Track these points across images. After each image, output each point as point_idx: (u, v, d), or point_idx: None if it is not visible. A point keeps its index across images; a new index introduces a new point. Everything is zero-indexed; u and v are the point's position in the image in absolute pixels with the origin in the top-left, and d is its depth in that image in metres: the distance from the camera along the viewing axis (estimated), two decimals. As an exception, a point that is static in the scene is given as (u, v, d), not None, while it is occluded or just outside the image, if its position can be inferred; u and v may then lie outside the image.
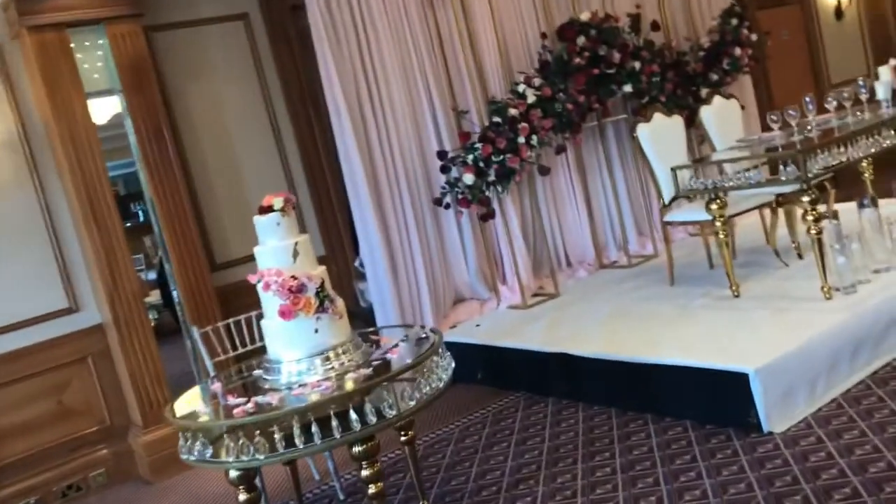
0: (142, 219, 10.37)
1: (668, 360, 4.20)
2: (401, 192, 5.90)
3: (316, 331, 3.21)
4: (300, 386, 3.14)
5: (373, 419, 2.92)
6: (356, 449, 2.97)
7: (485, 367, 5.48)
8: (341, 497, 4.17)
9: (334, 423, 2.86)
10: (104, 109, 7.64)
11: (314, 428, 2.84)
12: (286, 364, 3.23)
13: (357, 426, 2.88)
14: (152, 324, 9.17)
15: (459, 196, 5.80)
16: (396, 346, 3.46)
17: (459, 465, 4.24)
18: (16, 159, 5.14)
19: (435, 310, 6.03)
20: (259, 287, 3.21)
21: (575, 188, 6.80)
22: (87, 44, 5.33)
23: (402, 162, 5.92)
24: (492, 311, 6.23)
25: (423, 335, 3.57)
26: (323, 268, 3.35)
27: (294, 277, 3.15)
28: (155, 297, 10.81)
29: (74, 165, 5.00)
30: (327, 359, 3.22)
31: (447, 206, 5.96)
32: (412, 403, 3.04)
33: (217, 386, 3.48)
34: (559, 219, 6.75)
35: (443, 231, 6.18)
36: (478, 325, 5.94)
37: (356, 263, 6.56)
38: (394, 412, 2.97)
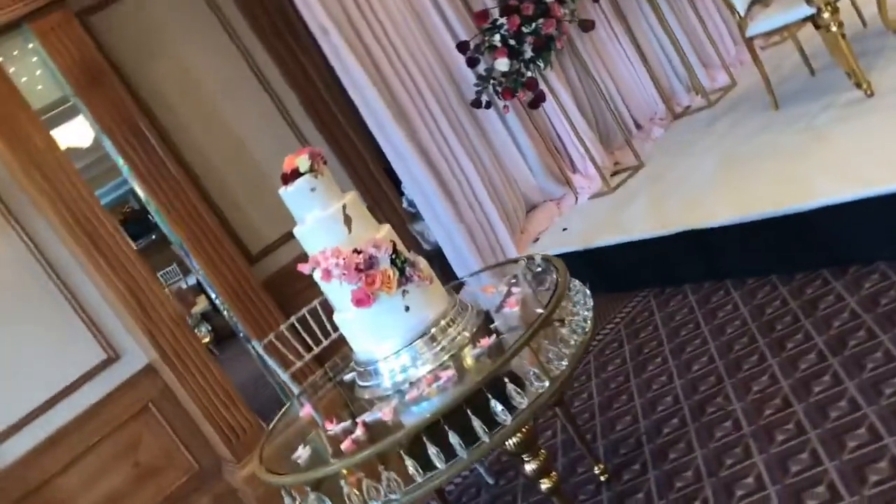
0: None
1: (833, 199, 3.37)
2: (427, 105, 5.08)
3: (407, 308, 2.48)
4: (411, 385, 2.43)
5: (522, 401, 2.19)
6: (511, 442, 2.26)
7: (591, 274, 4.67)
8: (490, 482, 3.52)
9: (475, 423, 2.14)
10: (80, 130, 6.89)
11: (452, 437, 2.13)
12: (383, 362, 2.51)
13: (505, 418, 2.16)
14: (207, 337, 8.74)
15: (498, 89, 4.93)
16: (510, 293, 2.71)
17: (616, 402, 3.55)
18: (-14, 216, 4.46)
19: (509, 227, 5.28)
20: (317, 278, 2.46)
21: (620, 39, 5.89)
22: (16, 53, 4.56)
23: (417, 69, 5.07)
24: (572, 208, 5.44)
25: (536, 267, 2.81)
26: (387, 227, 2.60)
27: (357, 251, 2.41)
28: (202, 304, 10.28)
29: (54, 200, 4.29)
30: (433, 339, 2.49)
31: (488, 106, 5.11)
32: (564, 364, 2.30)
33: (307, 410, 2.80)
34: (613, 79, 5.86)
35: (490, 136, 5.37)
36: (565, 230, 5.16)
37: (404, 206, 5.79)
38: (544, 383, 2.24)
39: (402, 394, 2.43)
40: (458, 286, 3.10)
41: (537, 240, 5.30)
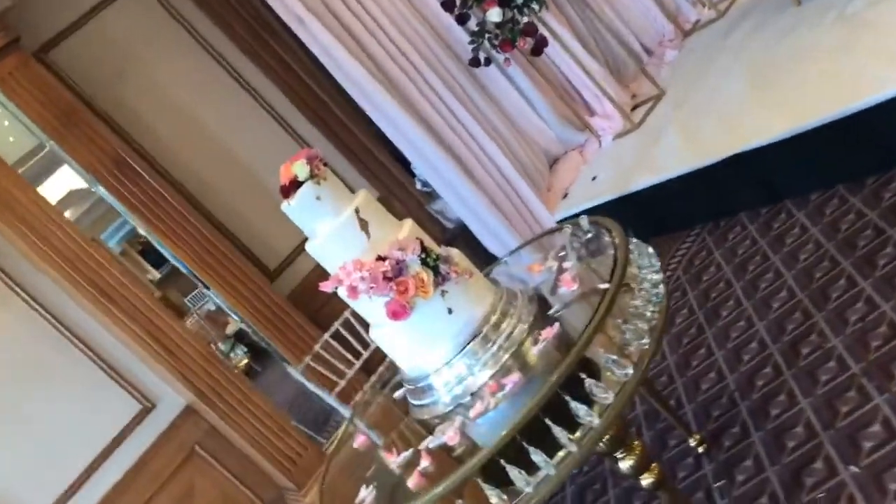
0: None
1: (893, 89, 2.99)
2: (423, 75, 4.73)
3: (449, 311, 2.17)
4: (472, 397, 2.12)
5: (605, 395, 1.89)
6: (624, 461, 1.97)
7: (633, 221, 4.33)
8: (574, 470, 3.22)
9: (557, 432, 1.84)
10: (70, 178, 6.64)
11: (535, 454, 1.84)
12: (435, 375, 2.21)
13: (590, 419, 1.86)
14: (244, 359, 8.51)
15: (495, 42, 4.56)
16: (562, 269, 2.39)
17: (693, 358, 3.23)
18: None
19: (534, 187, 4.94)
20: (344, 297, 2.16)
21: (612, -38, 5.45)
22: (-26, 105, 4.26)
23: (405, 40, 4.72)
24: (598, 153, 5.08)
25: (584, 233, 2.48)
26: (409, 223, 2.28)
27: (381, 258, 2.10)
28: (235, 322, 10.06)
29: (52, 257, 4.04)
30: (486, 339, 2.18)
31: (487, 63, 4.75)
32: (645, 343, 1.99)
33: (362, 440, 2.51)
34: (613, 7, 5.45)
35: (495, 95, 5.03)
36: (594, 178, 4.81)
37: (418, 187, 5.46)
38: (627, 370, 1.93)
39: (464, 409, 2.13)
40: (491, 271, 2.77)
41: (566, 195, 4.97)
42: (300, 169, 2.18)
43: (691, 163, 3.91)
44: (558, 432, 1.85)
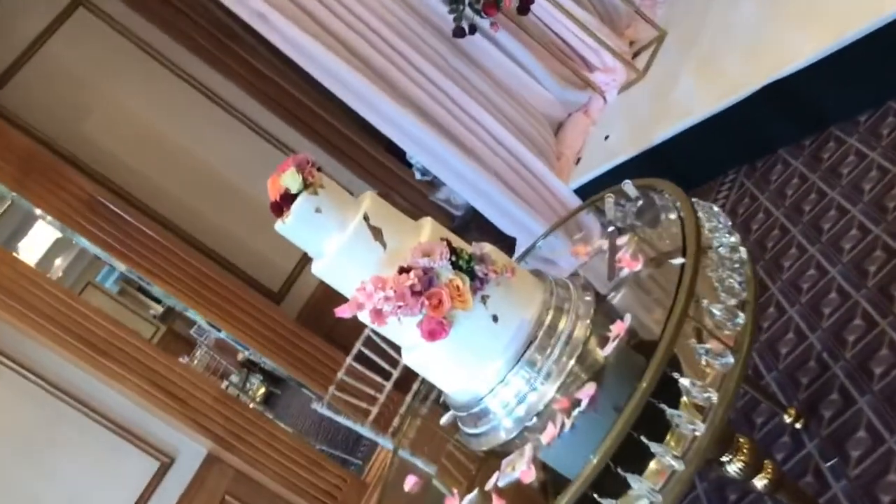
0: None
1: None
2: (404, 55, 4.39)
3: (495, 319, 1.83)
4: (538, 418, 1.78)
5: (707, 394, 1.55)
6: (735, 467, 1.64)
7: (659, 177, 4.01)
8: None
9: (658, 449, 1.50)
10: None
11: (636, 483, 1.50)
12: (490, 397, 1.87)
13: (693, 427, 1.52)
14: (262, 388, 8.16)
15: (477, 6, 4.19)
16: (615, 248, 2.04)
17: (765, 318, 2.88)
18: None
19: (542, 157, 4.59)
20: (367, 322, 1.81)
21: None
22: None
23: (379, 21, 4.37)
24: (604, 110, 4.73)
25: (632, 201, 2.13)
26: (429, 221, 1.94)
27: (404, 270, 1.75)
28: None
29: (37, 321, 3.72)
30: (543, 346, 1.84)
31: (472, 31, 4.37)
32: (740, 320, 1.65)
33: (413, 483, 2.17)
34: (595, -50, 5.06)
35: (485, 64, 4.68)
36: (607, 138, 4.45)
37: (418, 177, 5.10)
38: (727, 358, 1.59)
39: (532, 433, 1.79)
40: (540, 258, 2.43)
41: (578, 161, 4.61)
42: (291, 179, 1.83)
43: (718, 102, 3.55)
44: (659, 450, 1.51)
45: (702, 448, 1.54)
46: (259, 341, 4.05)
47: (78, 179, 4.07)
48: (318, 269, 1.89)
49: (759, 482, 1.78)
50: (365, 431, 2.86)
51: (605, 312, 1.91)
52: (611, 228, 2.11)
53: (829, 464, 2.23)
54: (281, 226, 1.87)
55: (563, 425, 1.70)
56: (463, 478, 2.25)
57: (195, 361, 5.47)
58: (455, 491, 1.92)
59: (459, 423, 2.01)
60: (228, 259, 4.58)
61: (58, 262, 10.98)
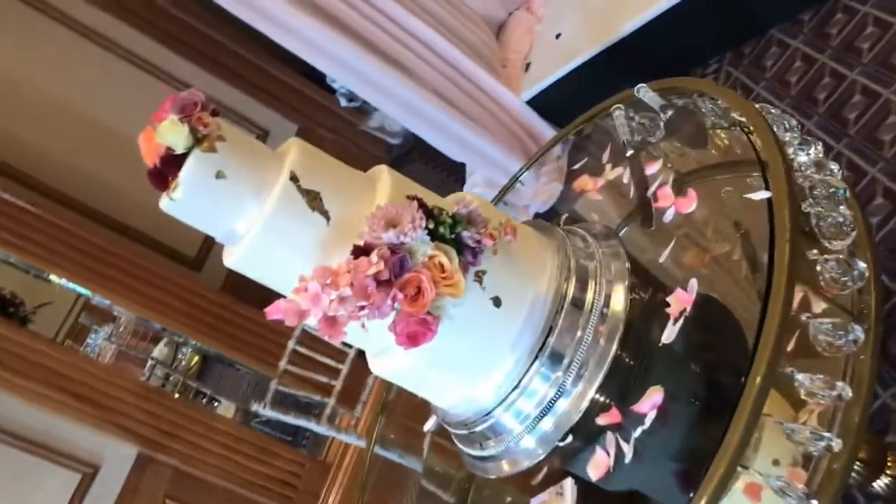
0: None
1: None
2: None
3: (497, 302, 1.31)
4: (575, 437, 1.28)
5: (839, 390, 1.06)
6: (882, 482, 1.17)
7: (630, 77, 3.48)
8: None
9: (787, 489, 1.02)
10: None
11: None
12: (500, 410, 1.35)
13: (825, 440, 1.04)
14: (194, 358, 7.43)
15: None
16: (645, 180, 1.51)
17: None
18: None
19: (487, 66, 3.99)
20: (318, 331, 1.26)
21: None
22: None
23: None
24: (550, 3, 4.13)
25: (656, 113, 1.59)
26: (383, 170, 1.37)
27: (362, 251, 1.19)
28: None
29: None
30: (569, 331, 1.32)
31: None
32: (860, 271, 1.16)
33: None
34: None
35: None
36: (558, 36, 3.88)
37: (342, 104, 4.43)
38: (854, 333, 1.10)
39: (570, 459, 1.28)
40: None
41: (528, 66, 4.03)
42: (172, 133, 1.23)
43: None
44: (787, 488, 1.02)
45: (847, 465, 1.06)
46: (181, 321, 3.45)
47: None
48: (234, 260, 1.32)
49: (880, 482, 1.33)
50: (322, 430, 2.34)
51: (640, 272, 1.40)
52: (630, 152, 1.57)
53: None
54: (168, 203, 1.27)
55: (618, 451, 1.19)
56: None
57: (108, 355, 4.79)
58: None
59: (458, 443, 1.49)
60: (128, 224, 3.90)
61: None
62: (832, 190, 1.25)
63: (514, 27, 4.22)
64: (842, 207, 1.21)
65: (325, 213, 1.26)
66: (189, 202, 1.26)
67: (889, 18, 2.45)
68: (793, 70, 2.78)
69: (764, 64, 2.95)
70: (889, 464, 1.30)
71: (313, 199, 1.26)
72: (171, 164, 1.25)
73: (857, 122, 2.39)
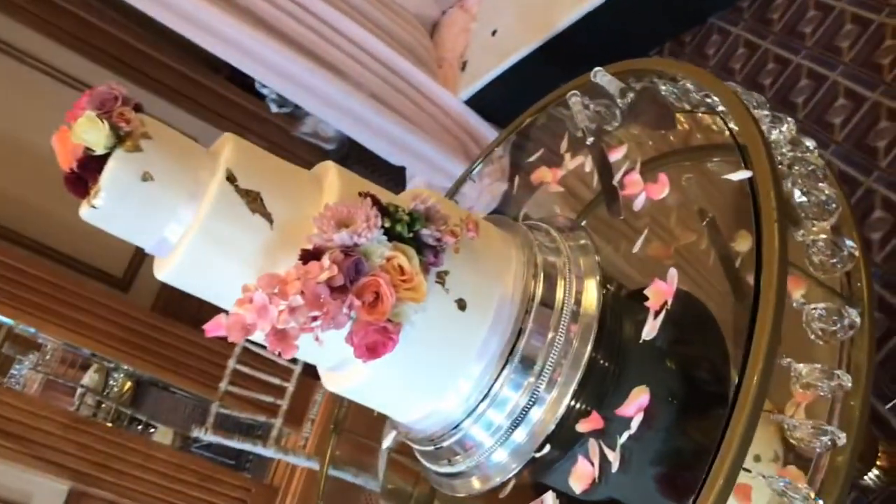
0: None
1: None
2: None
3: (461, 305, 1.21)
4: (549, 446, 1.19)
5: (840, 380, 1.00)
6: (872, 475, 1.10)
7: (569, 70, 3.43)
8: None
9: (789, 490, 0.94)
10: None
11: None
12: (469, 422, 1.25)
13: (830, 436, 0.97)
14: (127, 383, 7.13)
15: None
16: (607, 167, 1.43)
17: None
18: None
19: (422, 66, 3.90)
20: (268, 347, 1.14)
21: None
22: None
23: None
24: (484, 1, 4.06)
25: (613, 101, 1.52)
26: (330, 166, 1.26)
27: (312, 253, 1.08)
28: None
29: None
30: (540, 335, 1.22)
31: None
32: (850, 246, 1.10)
33: None
34: None
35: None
36: (494, 33, 3.81)
37: (273, 110, 4.27)
38: (851, 317, 1.04)
39: (546, 470, 1.19)
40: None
41: (465, 65, 3.95)
42: (90, 131, 1.09)
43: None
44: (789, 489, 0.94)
45: (851, 464, 0.99)
46: (111, 345, 3.25)
47: None
48: (166, 272, 1.18)
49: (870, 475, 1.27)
50: (271, 454, 2.20)
51: (610, 265, 1.32)
52: (590, 139, 1.49)
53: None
54: (89, 211, 1.14)
55: (603, 460, 1.10)
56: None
57: (34, 386, 4.50)
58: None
59: (423, 459, 1.38)
60: (47, 244, 3.67)
61: None
62: (811, 168, 1.19)
63: (448, 25, 4.14)
64: (822, 185, 1.15)
65: (268, 216, 1.14)
66: (112, 209, 1.12)
67: (830, 2, 2.45)
68: (736, 57, 2.76)
69: (706, 52, 2.93)
70: (880, 456, 1.24)
71: (253, 201, 1.14)
72: (91, 166, 1.11)
73: (805, 105, 2.38)
